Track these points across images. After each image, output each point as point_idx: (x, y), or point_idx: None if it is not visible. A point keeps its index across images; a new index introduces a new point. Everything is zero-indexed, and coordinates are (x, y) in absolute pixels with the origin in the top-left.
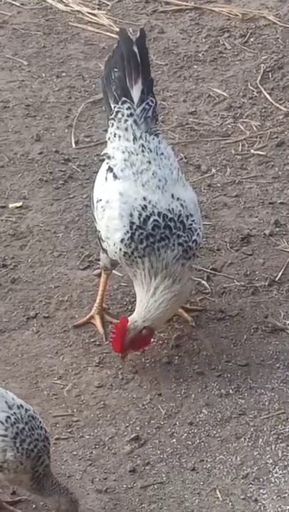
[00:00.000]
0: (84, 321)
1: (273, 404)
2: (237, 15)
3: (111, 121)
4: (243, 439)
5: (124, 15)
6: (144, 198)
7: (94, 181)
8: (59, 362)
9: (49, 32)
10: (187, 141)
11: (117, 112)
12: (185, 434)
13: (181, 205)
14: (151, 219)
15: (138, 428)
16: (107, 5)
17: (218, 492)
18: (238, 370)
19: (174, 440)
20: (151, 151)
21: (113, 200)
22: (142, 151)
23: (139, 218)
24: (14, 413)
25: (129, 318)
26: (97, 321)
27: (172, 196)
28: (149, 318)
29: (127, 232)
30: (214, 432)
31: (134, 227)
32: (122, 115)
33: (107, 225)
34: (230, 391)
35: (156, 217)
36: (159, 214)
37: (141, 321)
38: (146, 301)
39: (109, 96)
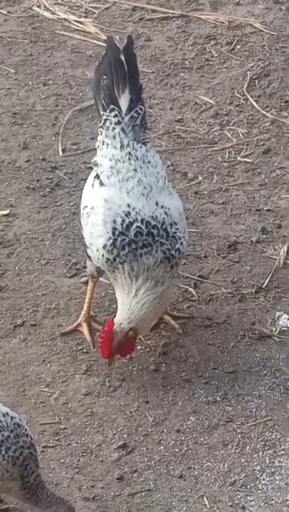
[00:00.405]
0: (71, 328)
1: (260, 411)
2: (223, 22)
3: (100, 129)
4: (230, 446)
5: (111, 23)
6: (128, 205)
7: (82, 189)
8: (46, 370)
9: (36, 40)
10: (174, 149)
11: (106, 120)
12: (172, 442)
13: (166, 213)
14: (134, 225)
15: (125, 435)
16: (94, 13)
17: (205, 499)
18: (225, 377)
19: (162, 447)
20: (137, 159)
21: (98, 207)
22: (129, 159)
23: (121, 224)
24: None
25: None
26: (85, 329)
27: (156, 204)
28: (133, 319)
29: (110, 238)
30: (202, 439)
31: (117, 233)
32: (110, 123)
33: (91, 231)
34: (218, 398)
35: (138, 224)
36: (142, 221)
37: (126, 322)
38: (129, 303)
39: (98, 103)
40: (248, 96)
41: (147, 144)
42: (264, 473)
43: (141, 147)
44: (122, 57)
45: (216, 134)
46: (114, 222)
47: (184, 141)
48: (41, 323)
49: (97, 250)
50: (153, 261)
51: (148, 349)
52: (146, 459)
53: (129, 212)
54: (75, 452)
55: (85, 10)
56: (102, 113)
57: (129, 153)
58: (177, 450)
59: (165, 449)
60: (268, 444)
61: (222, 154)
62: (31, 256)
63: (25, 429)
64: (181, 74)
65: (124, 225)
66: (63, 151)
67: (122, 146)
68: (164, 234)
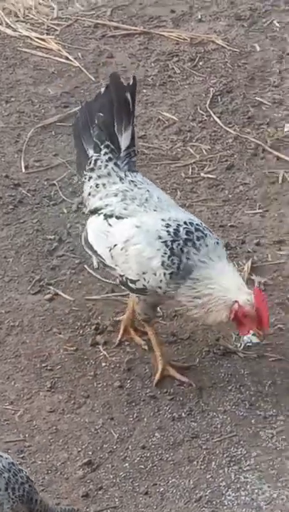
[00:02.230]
0: (159, 377)
1: (226, 427)
2: (186, 39)
3: (88, 173)
4: (195, 463)
5: (73, 40)
6: (163, 219)
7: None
8: (10, 387)
9: None
10: (137, 165)
11: (96, 160)
12: (138, 458)
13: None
14: (181, 228)
15: (90, 452)
16: (56, 30)
17: None
18: (190, 393)
19: (127, 464)
20: (142, 182)
21: (133, 236)
22: (135, 185)
23: (168, 234)
24: None
25: (240, 303)
26: (171, 371)
27: (184, 212)
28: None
29: (165, 253)
30: (167, 456)
31: (169, 243)
32: (102, 161)
33: (138, 260)
34: (183, 414)
35: (184, 226)
36: (185, 222)
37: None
38: (228, 279)
39: (85, 143)
40: (211, 112)
41: (139, 173)
42: (229, 489)
43: (136, 175)
44: (128, 96)
45: (179, 150)
46: (160, 237)
47: (147, 158)
48: (5, 341)
49: (155, 274)
50: (214, 240)
51: (112, 365)
52: (111, 476)
53: (168, 224)
54: (40, 470)
55: (47, 27)
56: (91, 154)
57: (132, 181)
58: (142, 467)
59: (130, 466)
60: (233, 459)
61: (185, 170)
62: None
63: (17, 465)
64: (144, 90)
65: (172, 233)
66: (26, 168)
67: (121, 179)
68: (206, 227)
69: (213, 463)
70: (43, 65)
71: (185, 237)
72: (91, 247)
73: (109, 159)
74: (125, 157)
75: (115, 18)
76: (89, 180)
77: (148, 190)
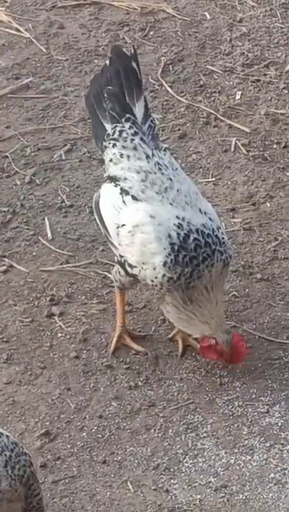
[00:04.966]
0: (115, 344)
1: (182, 395)
2: (136, 9)
3: (111, 141)
4: (152, 431)
5: (24, 11)
6: (177, 217)
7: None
8: None
9: None
10: (90, 136)
11: (121, 131)
12: (95, 428)
13: (210, 218)
14: (191, 237)
15: (48, 423)
16: (6, 1)
17: (129, 484)
18: (146, 361)
19: (84, 434)
20: (167, 167)
21: (144, 224)
22: (160, 169)
23: (178, 238)
24: None
25: (219, 342)
26: (128, 340)
27: (200, 211)
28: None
29: (169, 254)
30: (124, 425)
31: (176, 248)
32: (127, 134)
33: (142, 249)
34: (139, 383)
35: (195, 235)
36: (197, 231)
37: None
38: (218, 314)
39: (101, 116)
40: (163, 81)
41: (167, 151)
42: (187, 456)
43: (164, 154)
44: (134, 65)
45: None
46: (170, 236)
47: None
48: None
49: (155, 269)
50: (218, 270)
51: (68, 336)
52: (69, 446)
53: (180, 224)
54: None
55: None
56: (112, 125)
57: (158, 163)
58: (100, 436)
59: (88, 436)
60: (190, 427)
61: None
62: None
63: (22, 447)
64: (95, 61)
65: (181, 238)
66: None
67: (147, 157)
68: (217, 241)
69: (171, 430)
70: None
71: (192, 254)
72: (99, 214)
73: (135, 133)
74: (148, 130)
75: None
76: (113, 147)
77: (170, 179)
